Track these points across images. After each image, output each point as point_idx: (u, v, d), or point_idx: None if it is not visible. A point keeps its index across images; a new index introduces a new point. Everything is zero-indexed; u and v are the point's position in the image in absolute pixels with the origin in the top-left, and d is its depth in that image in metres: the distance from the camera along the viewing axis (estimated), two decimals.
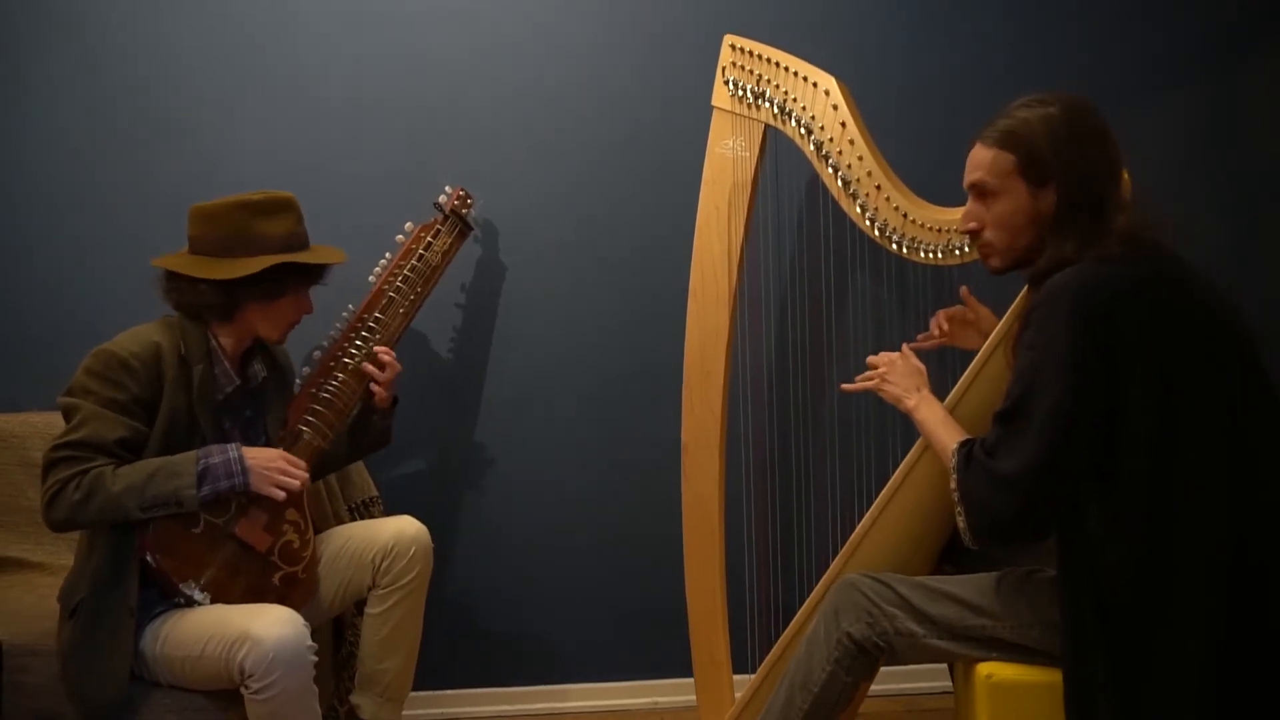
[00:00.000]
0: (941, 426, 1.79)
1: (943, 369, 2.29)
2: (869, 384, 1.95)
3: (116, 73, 2.53)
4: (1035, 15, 2.65)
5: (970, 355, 2.04)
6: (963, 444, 1.68)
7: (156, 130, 2.54)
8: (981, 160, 1.69)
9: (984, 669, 1.73)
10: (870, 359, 1.97)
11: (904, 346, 1.96)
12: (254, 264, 1.95)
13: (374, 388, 2.17)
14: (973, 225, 1.73)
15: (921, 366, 1.92)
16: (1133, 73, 2.65)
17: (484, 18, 2.61)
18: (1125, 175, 1.73)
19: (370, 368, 2.16)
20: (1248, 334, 1.59)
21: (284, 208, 2.03)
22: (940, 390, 1.90)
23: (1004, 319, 1.95)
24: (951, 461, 1.67)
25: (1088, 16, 2.65)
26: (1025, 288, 1.77)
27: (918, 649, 1.76)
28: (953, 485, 1.65)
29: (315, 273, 2.06)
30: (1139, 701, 1.51)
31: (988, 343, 1.96)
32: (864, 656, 1.77)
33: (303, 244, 2.05)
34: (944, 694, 2.62)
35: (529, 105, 2.63)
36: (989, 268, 1.77)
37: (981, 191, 1.71)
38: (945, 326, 2.14)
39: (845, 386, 2.03)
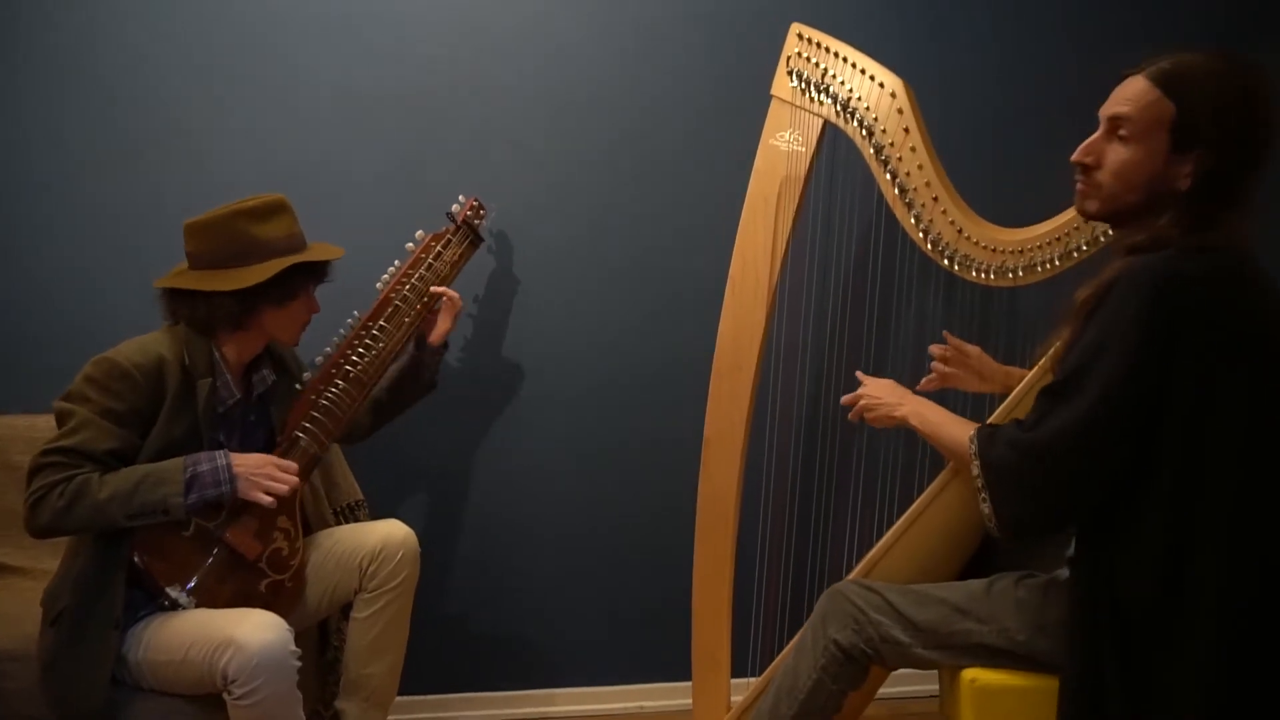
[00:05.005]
0: (949, 421, 1.73)
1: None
2: (856, 415, 1.91)
3: (115, 76, 2.48)
4: (1069, 13, 2.61)
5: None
6: (982, 427, 1.62)
7: (154, 136, 2.50)
8: (1135, 95, 1.49)
9: (969, 673, 1.73)
10: (844, 399, 1.93)
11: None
12: (266, 269, 1.94)
13: (444, 302, 2.23)
14: (1088, 159, 1.55)
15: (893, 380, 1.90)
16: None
17: (505, 15, 2.55)
18: None
19: (445, 290, 2.22)
20: None
21: (279, 210, 2.02)
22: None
23: (1037, 365, 1.85)
24: (971, 448, 1.60)
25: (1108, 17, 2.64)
26: (1065, 317, 1.58)
27: (905, 658, 1.76)
28: (975, 472, 1.58)
29: (322, 271, 2.07)
30: (1149, 706, 1.49)
31: (1029, 377, 1.88)
32: (851, 664, 1.76)
33: (303, 243, 2.05)
34: (929, 698, 2.63)
35: (544, 101, 2.58)
36: (1083, 210, 1.59)
37: (1116, 127, 1.52)
38: (942, 368, 2.09)
39: (847, 400, 1.95)
